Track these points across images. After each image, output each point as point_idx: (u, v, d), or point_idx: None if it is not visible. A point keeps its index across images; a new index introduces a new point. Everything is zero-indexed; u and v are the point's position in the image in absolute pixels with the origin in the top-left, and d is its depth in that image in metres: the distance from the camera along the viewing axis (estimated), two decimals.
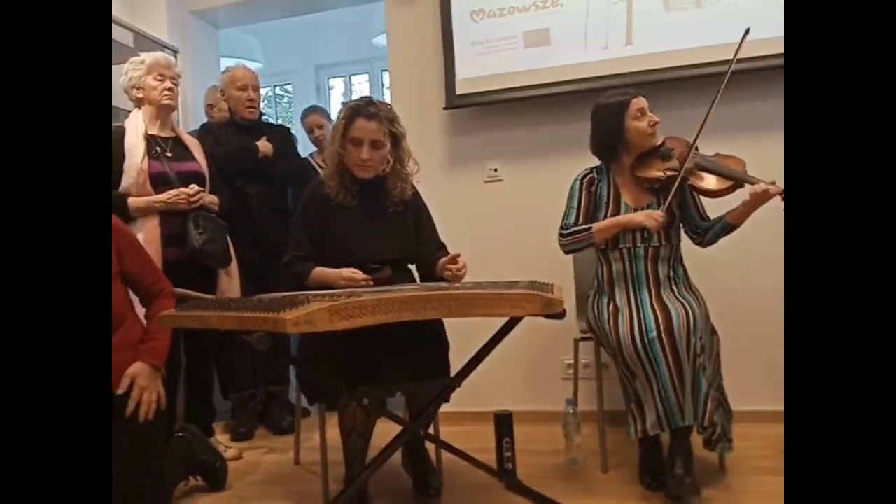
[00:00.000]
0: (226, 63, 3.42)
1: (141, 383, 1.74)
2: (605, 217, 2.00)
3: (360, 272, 1.85)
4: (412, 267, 2.08)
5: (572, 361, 2.46)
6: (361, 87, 5.53)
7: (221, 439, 2.58)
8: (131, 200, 2.25)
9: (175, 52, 3.20)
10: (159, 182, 2.31)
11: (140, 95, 2.41)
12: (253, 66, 4.46)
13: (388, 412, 1.82)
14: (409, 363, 1.77)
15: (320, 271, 1.91)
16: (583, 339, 2.26)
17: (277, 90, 5.95)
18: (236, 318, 1.46)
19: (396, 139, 1.99)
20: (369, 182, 1.98)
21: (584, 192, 2.05)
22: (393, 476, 2.08)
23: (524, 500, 1.80)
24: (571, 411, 2.17)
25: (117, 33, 2.76)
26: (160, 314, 1.74)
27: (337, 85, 5.63)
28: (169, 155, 2.38)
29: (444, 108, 2.81)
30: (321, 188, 2.00)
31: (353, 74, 5.54)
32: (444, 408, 1.92)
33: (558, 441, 2.23)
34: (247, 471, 2.33)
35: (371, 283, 1.84)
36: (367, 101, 1.97)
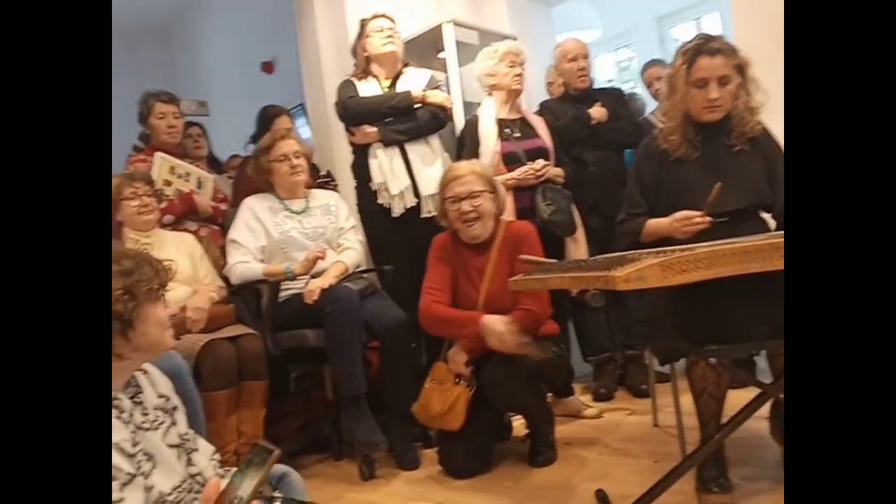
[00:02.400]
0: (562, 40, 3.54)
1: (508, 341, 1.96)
2: None
3: (694, 211, 1.75)
4: (768, 216, 1.87)
5: None
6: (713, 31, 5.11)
7: (583, 399, 2.70)
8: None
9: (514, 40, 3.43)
10: (510, 161, 2.62)
11: (492, 83, 2.71)
12: (591, 34, 4.51)
13: (741, 373, 1.68)
14: (766, 320, 1.60)
15: (653, 222, 1.86)
16: None
17: (619, 55, 5.89)
18: (571, 279, 1.52)
19: (741, 69, 1.82)
20: (712, 125, 1.85)
21: None
22: (759, 445, 1.91)
23: None
24: None
25: (462, 35, 3.08)
26: (511, 279, 1.92)
27: (682, 34, 5.31)
28: (517, 135, 2.68)
29: None
30: (655, 143, 1.94)
31: (703, 16, 5.16)
32: None
33: None
34: (608, 429, 2.41)
35: (708, 224, 1.72)
36: (706, 38, 1.85)
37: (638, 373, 2.86)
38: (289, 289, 2.42)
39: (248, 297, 2.44)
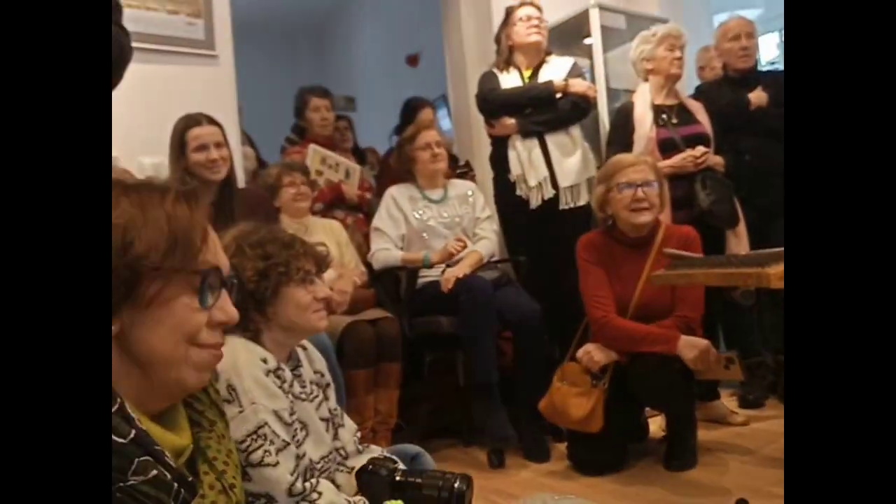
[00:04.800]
0: (719, 21, 3.33)
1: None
2: None
3: None
4: None
5: None
6: None
7: (729, 404, 2.54)
8: None
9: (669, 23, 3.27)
10: (667, 148, 2.50)
11: (650, 67, 2.61)
12: (751, 12, 4.20)
13: None
14: None
15: None
16: None
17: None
18: (720, 275, 1.44)
19: None
20: None
21: None
22: None
23: None
24: None
25: (608, 19, 2.98)
26: (653, 274, 1.84)
27: None
28: (675, 121, 2.57)
29: None
30: None
31: None
32: None
33: None
34: (754, 438, 2.25)
35: None
36: None
37: None
38: (426, 276, 2.49)
39: (387, 283, 2.54)
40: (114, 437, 0.60)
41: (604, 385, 2.03)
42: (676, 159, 2.45)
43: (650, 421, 2.33)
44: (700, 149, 2.45)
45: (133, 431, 0.62)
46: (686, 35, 2.63)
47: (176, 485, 0.64)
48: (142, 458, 0.62)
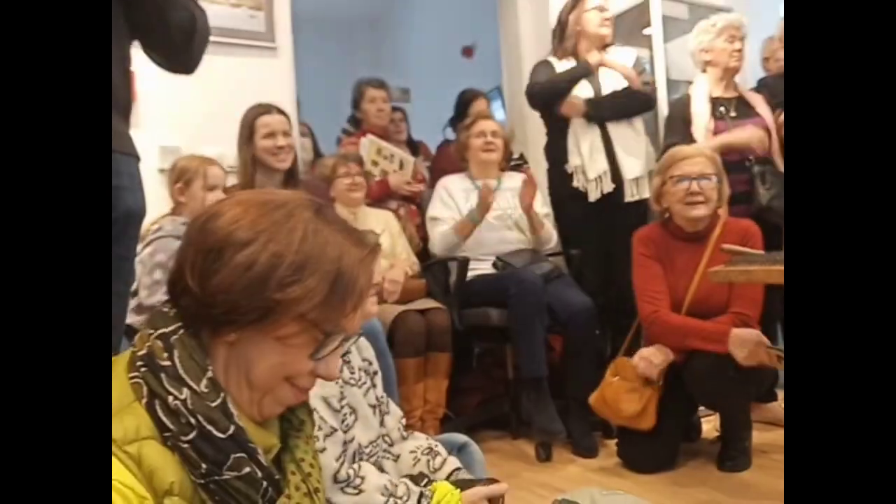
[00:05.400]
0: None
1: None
2: None
3: None
4: None
5: None
6: None
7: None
8: None
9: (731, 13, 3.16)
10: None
11: (708, 59, 2.55)
12: None
13: None
14: None
15: None
16: None
17: None
18: (780, 272, 1.38)
19: None
20: None
21: None
22: None
23: None
24: None
25: (670, 9, 2.91)
26: (710, 270, 1.79)
27: None
28: (733, 114, 2.50)
29: None
30: None
31: None
32: None
33: None
34: None
35: None
36: None
37: None
38: (476, 269, 2.49)
39: (438, 274, 2.56)
40: (213, 432, 0.62)
41: (658, 382, 2.00)
42: (745, 133, 2.35)
43: (704, 420, 2.28)
44: (759, 140, 2.35)
45: (232, 427, 0.64)
46: (746, 26, 2.54)
47: (265, 483, 0.66)
48: (237, 455, 0.63)
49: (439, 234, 2.52)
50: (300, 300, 0.64)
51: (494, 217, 2.53)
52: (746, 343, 1.84)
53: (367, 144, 2.88)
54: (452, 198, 2.57)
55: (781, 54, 2.82)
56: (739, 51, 2.49)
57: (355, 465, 1.11)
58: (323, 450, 1.07)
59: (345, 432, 1.14)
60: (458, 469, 1.22)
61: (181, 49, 1.09)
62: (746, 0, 3.37)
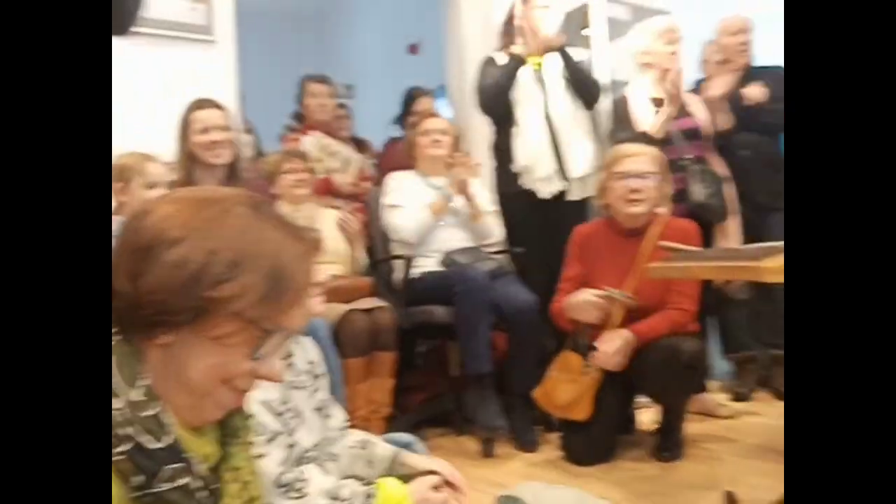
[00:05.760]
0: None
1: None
2: None
3: None
4: None
5: None
6: None
7: (718, 398, 2.56)
8: None
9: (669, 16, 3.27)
10: (662, 141, 2.47)
11: (647, 60, 2.64)
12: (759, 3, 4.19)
13: None
14: None
15: None
16: None
17: None
18: (716, 268, 1.45)
19: None
20: None
21: None
22: None
23: None
24: None
25: (612, 10, 2.99)
26: (649, 265, 1.84)
27: None
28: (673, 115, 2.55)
29: None
30: None
31: None
32: None
33: None
34: (743, 431, 2.28)
35: None
36: None
37: (782, 374, 2.66)
38: (422, 266, 2.50)
39: (383, 272, 2.55)
40: (149, 443, 0.61)
41: (594, 372, 2.04)
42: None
43: (638, 412, 2.35)
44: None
45: (168, 438, 0.62)
46: (681, 29, 2.64)
47: (202, 493, 0.65)
48: (174, 466, 0.62)
49: (409, 218, 2.49)
50: (236, 298, 0.62)
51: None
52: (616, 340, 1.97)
53: (312, 141, 2.85)
54: (404, 191, 2.57)
55: (717, 57, 2.93)
56: (674, 53, 2.59)
57: (298, 469, 1.10)
58: (262, 456, 1.05)
59: (289, 436, 1.13)
60: (397, 453, 1.23)
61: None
62: (685, 3, 3.48)
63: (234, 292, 0.62)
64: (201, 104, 2.16)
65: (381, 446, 1.25)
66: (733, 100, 2.68)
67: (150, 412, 0.62)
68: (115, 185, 1.97)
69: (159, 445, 0.61)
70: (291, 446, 1.12)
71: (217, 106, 2.18)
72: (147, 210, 0.65)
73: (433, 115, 2.71)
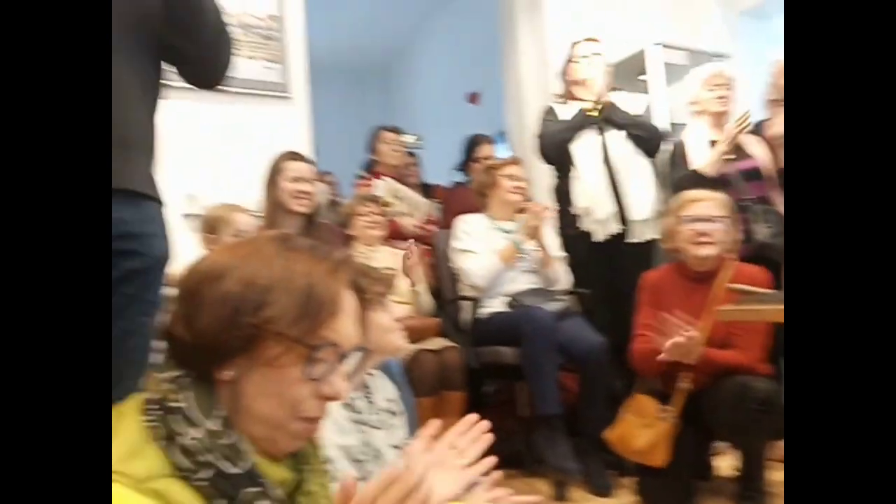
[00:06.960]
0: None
1: None
2: None
3: None
4: None
5: None
6: None
7: None
8: None
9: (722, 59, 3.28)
10: (722, 183, 2.48)
11: (697, 109, 2.74)
12: None
13: None
14: None
15: None
16: None
17: None
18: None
19: None
20: None
21: None
22: None
23: None
24: None
25: (670, 56, 3.03)
26: (721, 307, 1.82)
27: None
28: (731, 157, 2.54)
29: None
30: None
31: None
32: None
33: None
34: None
35: None
36: None
37: None
38: (490, 306, 2.53)
39: (451, 312, 2.60)
40: (228, 469, 0.65)
41: (672, 417, 2.00)
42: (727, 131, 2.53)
43: (718, 458, 2.28)
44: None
45: (246, 464, 0.67)
46: (729, 73, 2.75)
47: None
48: (251, 490, 0.66)
49: (479, 264, 2.53)
50: (276, 319, 0.67)
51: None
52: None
53: (383, 186, 2.96)
54: (472, 235, 2.62)
55: (775, 96, 2.92)
56: (723, 97, 2.67)
57: None
58: None
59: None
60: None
61: (213, 50, 1.11)
62: (746, 46, 3.49)
63: (273, 314, 0.67)
64: (293, 156, 2.33)
65: None
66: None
67: (228, 441, 0.66)
68: (207, 236, 2.10)
69: (237, 471, 0.65)
70: None
71: (306, 159, 2.35)
72: (196, 261, 0.72)
73: (516, 161, 2.74)
